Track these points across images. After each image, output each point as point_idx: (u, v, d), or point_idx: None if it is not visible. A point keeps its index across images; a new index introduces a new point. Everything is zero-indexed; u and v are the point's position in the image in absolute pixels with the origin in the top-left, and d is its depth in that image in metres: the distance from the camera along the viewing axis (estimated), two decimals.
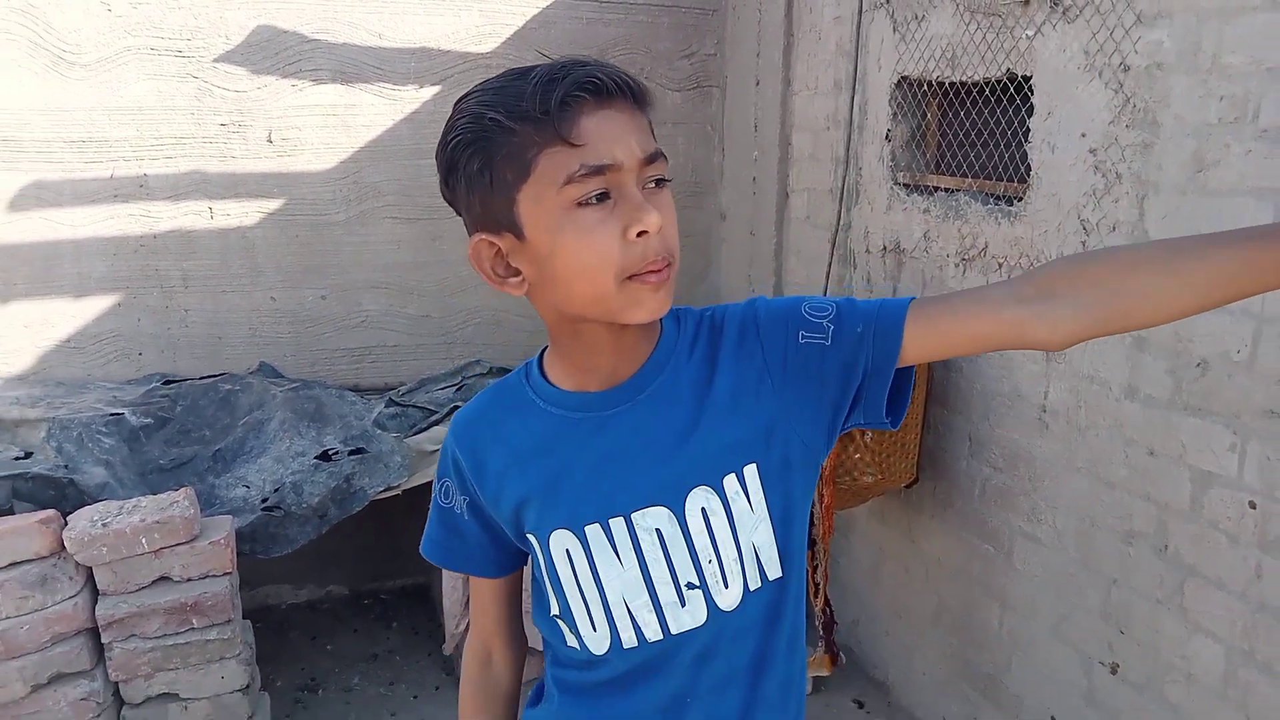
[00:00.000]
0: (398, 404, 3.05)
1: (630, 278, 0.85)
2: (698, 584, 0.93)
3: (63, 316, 2.96)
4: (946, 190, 2.45)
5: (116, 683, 2.27)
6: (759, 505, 0.93)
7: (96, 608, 2.22)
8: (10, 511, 2.25)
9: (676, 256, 0.88)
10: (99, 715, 2.24)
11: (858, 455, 2.28)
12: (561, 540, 0.95)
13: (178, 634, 2.27)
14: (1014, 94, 2.16)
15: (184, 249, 3.05)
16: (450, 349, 3.42)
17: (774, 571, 0.95)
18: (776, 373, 0.91)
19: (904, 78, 2.54)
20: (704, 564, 0.93)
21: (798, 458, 0.94)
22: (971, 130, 2.35)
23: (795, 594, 1.00)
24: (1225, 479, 1.75)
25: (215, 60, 2.96)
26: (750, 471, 0.92)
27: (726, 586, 0.94)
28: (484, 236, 0.88)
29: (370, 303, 3.33)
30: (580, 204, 0.83)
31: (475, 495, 1.01)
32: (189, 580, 2.26)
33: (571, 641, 0.99)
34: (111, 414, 2.58)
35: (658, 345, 0.96)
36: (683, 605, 0.94)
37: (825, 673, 2.62)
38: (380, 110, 3.13)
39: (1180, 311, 0.81)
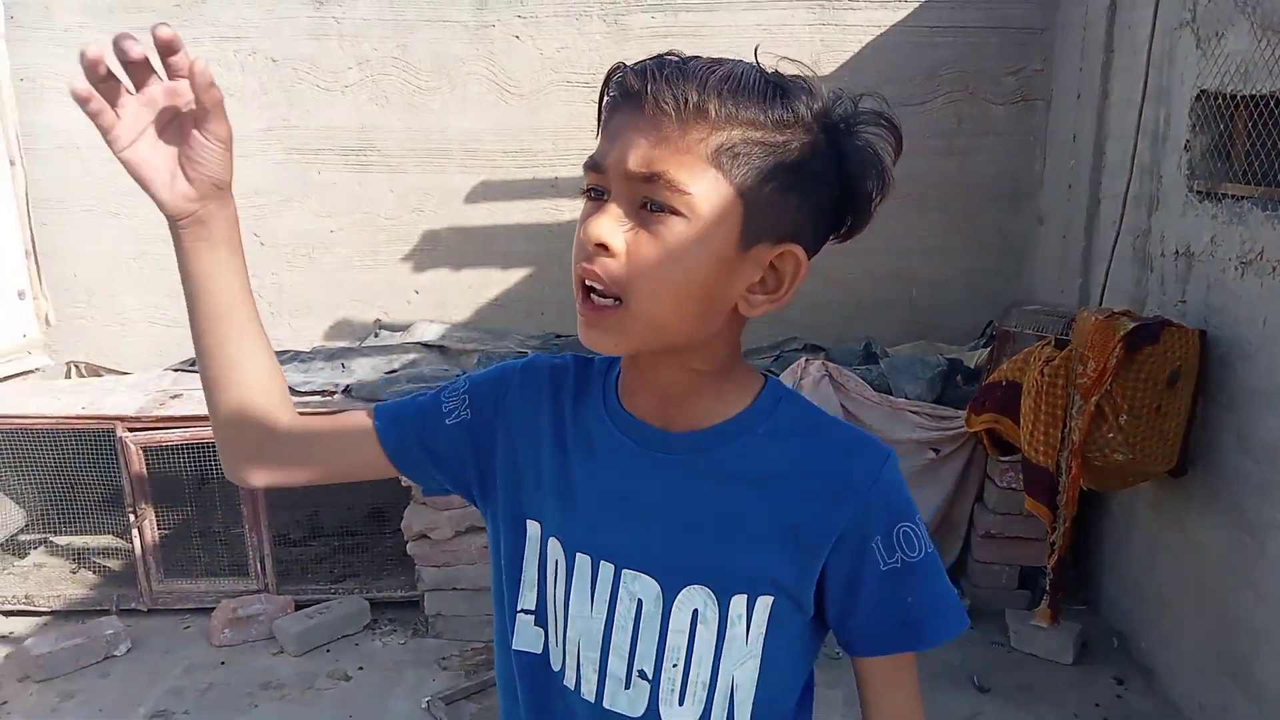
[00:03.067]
0: None
1: (578, 286, 0.77)
2: (650, 678, 0.83)
3: (492, 282, 4.00)
4: (1234, 198, 2.57)
5: None
6: (755, 642, 0.82)
7: None
8: None
9: (633, 296, 0.74)
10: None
11: (1110, 434, 2.51)
12: (554, 550, 0.86)
13: None
14: None
15: None
16: (772, 326, 4.01)
17: (742, 717, 0.84)
18: (834, 556, 0.82)
19: (1203, 91, 2.68)
20: (666, 664, 0.83)
21: (798, 632, 0.85)
22: (1262, 141, 2.47)
23: None
24: None
25: None
26: (762, 604, 0.82)
27: (680, 704, 0.83)
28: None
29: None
30: (584, 192, 0.78)
31: (470, 423, 0.91)
32: None
33: (525, 645, 0.89)
34: (519, 352, 3.53)
35: (743, 412, 0.84)
36: (626, 687, 0.84)
37: (1045, 624, 2.86)
38: None
39: None
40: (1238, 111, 2.65)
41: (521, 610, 0.89)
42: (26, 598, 3.28)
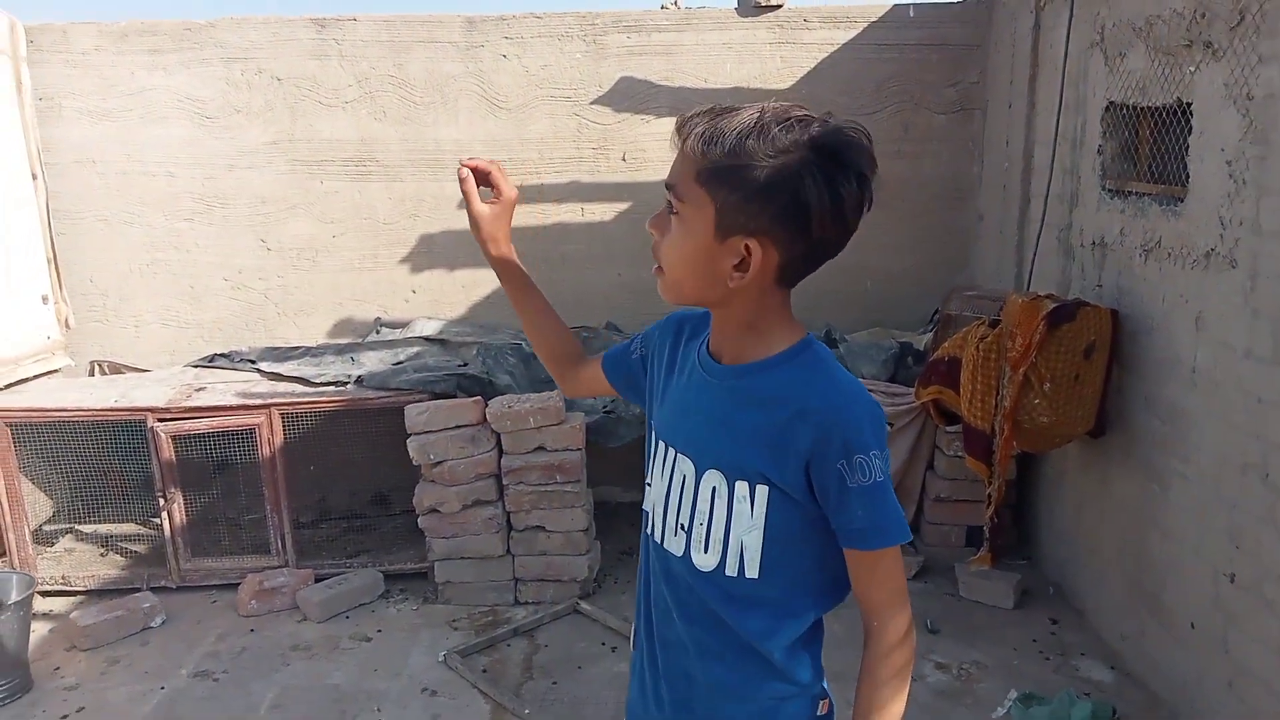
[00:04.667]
0: None
1: None
2: (686, 530, 1.19)
3: (484, 281, 4.32)
4: (1138, 194, 2.99)
5: (509, 512, 3.49)
6: (758, 518, 1.14)
7: (501, 461, 3.45)
8: (454, 396, 3.56)
9: (666, 268, 1.14)
10: (497, 532, 3.47)
11: (1036, 400, 2.91)
12: (654, 436, 1.28)
13: (547, 485, 3.44)
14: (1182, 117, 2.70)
15: (562, 237, 4.30)
16: None
17: (752, 572, 1.15)
18: (812, 469, 1.11)
19: (1111, 103, 3.10)
20: (695, 522, 1.18)
21: (799, 518, 1.14)
22: (1160, 146, 2.89)
23: (778, 618, 1.18)
24: None
25: (590, 103, 4.17)
26: (761, 490, 1.13)
27: (704, 552, 1.18)
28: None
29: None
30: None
31: (643, 357, 1.36)
32: (556, 450, 3.43)
33: (646, 505, 1.29)
34: (513, 344, 3.86)
35: (773, 355, 1.14)
36: (674, 534, 1.21)
37: (986, 567, 3.29)
38: None
39: None
40: (1141, 120, 3.07)
41: (646, 483, 1.29)
42: (63, 578, 3.56)
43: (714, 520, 1.16)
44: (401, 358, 3.80)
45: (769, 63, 4.13)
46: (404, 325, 4.25)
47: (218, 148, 4.15)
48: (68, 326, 4.04)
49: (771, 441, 1.11)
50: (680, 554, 1.20)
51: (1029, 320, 2.88)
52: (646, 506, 1.28)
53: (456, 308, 4.34)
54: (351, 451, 3.77)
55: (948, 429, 3.49)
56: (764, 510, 1.13)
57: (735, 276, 1.10)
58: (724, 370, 1.17)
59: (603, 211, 4.26)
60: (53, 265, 3.95)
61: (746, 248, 1.08)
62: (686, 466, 1.19)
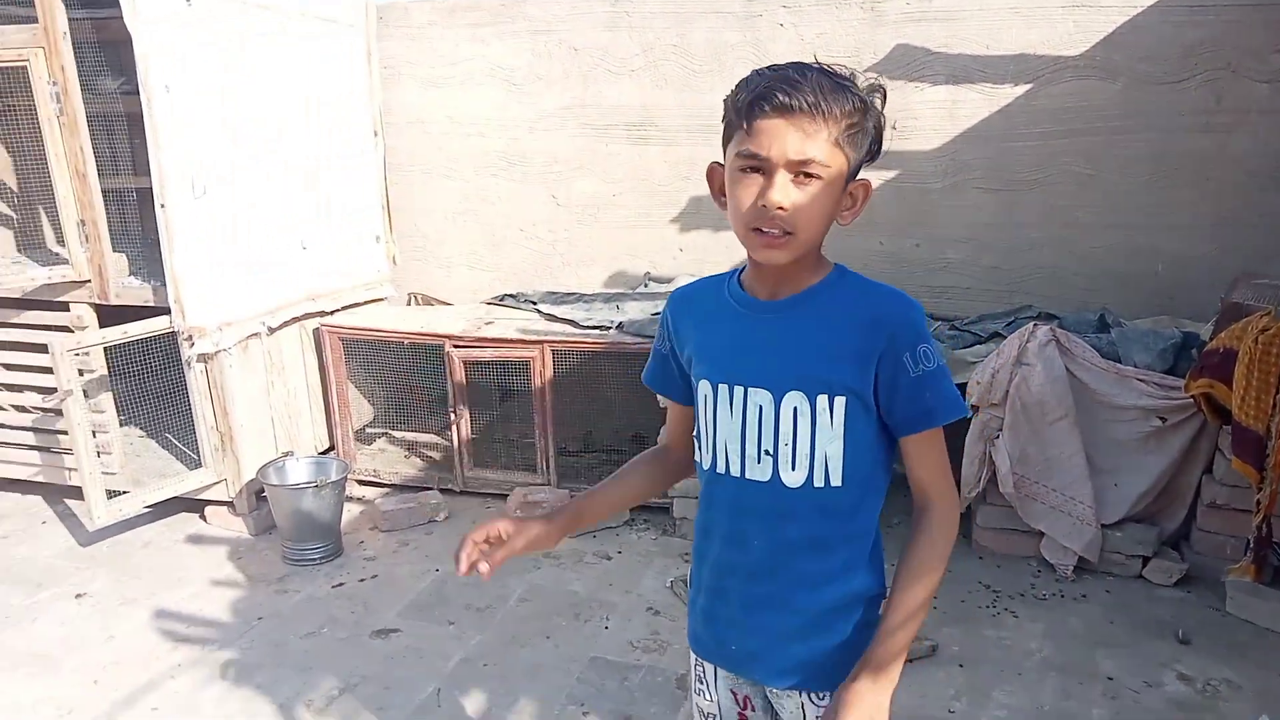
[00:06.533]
0: (957, 329, 4.00)
1: (753, 230, 1.20)
2: (772, 454, 1.28)
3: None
4: None
5: None
6: (838, 426, 1.25)
7: None
8: None
9: (800, 230, 1.18)
10: None
11: None
12: (704, 387, 1.33)
13: None
14: None
15: None
16: (1011, 296, 4.24)
17: (836, 480, 1.27)
18: (881, 367, 1.24)
19: None
20: (780, 444, 1.27)
21: (869, 422, 1.26)
22: None
23: (855, 518, 1.30)
24: None
25: (863, 70, 4.17)
26: (839, 402, 1.24)
27: (793, 470, 1.27)
28: (716, 164, 1.29)
29: (953, 253, 4.31)
30: (741, 169, 1.19)
31: (671, 343, 1.42)
32: None
33: (697, 457, 1.39)
34: None
35: (818, 283, 1.27)
36: (757, 462, 1.29)
37: (1248, 579, 2.98)
38: (979, 104, 4.06)
39: None
40: None
41: (696, 436, 1.40)
42: (374, 472, 4.26)
43: (798, 438, 1.26)
44: (660, 308, 4.09)
45: (1059, 26, 3.91)
46: (669, 281, 4.55)
47: (521, 112, 4.65)
48: (393, 263, 4.75)
49: (851, 350, 1.23)
50: (768, 478, 1.29)
51: None
52: (708, 454, 1.35)
53: (719, 266, 4.56)
54: (613, 392, 4.13)
55: (1225, 426, 3.21)
56: (843, 419, 1.24)
57: (846, 216, 1.26)
58: (780, 304, 1.28)
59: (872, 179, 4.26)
60: (385, 211, 4.65)
61: (865, 187, 1.26)
62: (761, 397, 1.27)
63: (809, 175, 1.17)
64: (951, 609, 3.21)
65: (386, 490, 4.24)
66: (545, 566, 3.56)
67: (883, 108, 1.24)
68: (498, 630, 3.12)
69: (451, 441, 4.12)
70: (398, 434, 4.55)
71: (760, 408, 1.27)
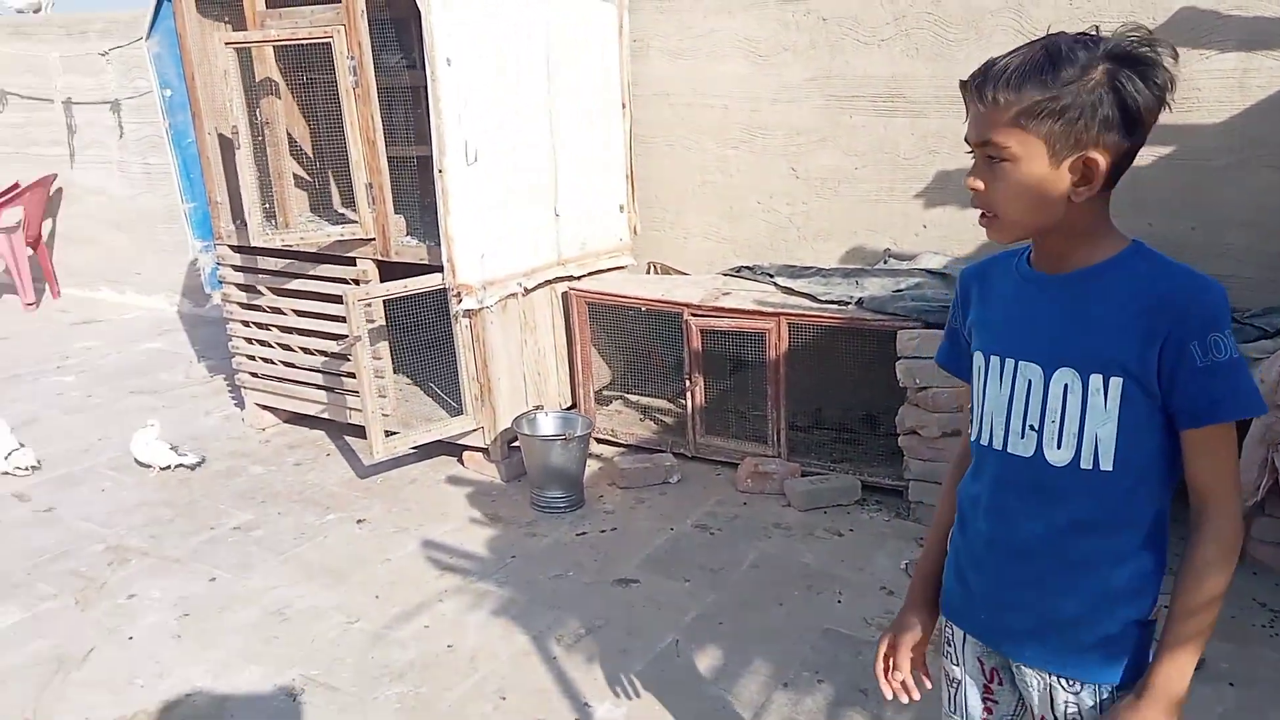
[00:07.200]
0: (1239, 322, 3.66)
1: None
2: (1036, 429, 1.27)
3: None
4: None
5: None
6: (1112, 410, 1.21)
7: None
8: None
9: (1000, 211, 1.23)
10: None
11: None
12: (978, 359, 1.36)
13: None
14: None
15: None
16: (1261, 295, 3.82)
17: (1106, 464, 1.23)
18: (1164, 353, 1.18)
19: None
20: (1047, 420, 1.26)
21: (1148, 407, 1.21)
22: None
23: (1127, 506, 1.25)
24: None
25: None
26: (1116, 382, 1.20)
27: (1058, 448, 1.25)
28: None
29: (1235, 238, 3.94)
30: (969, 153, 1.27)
31: (962, 318, 1.43)
32: None
33: (969, 428, 1.41)
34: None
35: (1107, 259, 1.23)
36: (1021, 436, 1.29)
37: None
38: (1276, 73, 3.67)
39: None
40: None
41: (972, 409, 1.41)
42: (612, 431, 4.47)
43: (1066, 416, 1.24)
44: (902, 286, 4.01)
45: None
46: (911, 258, 4.44)
47: (764, 83, 4.67)
48: (635, 232, 4.91)
49: (1132, 331, 1.19)
50: (1030, 454, 1.28)
51: None
52: (976, 426, 1.37)
53: (965, 245, 4.41)
54: (847, 369, 4.11)
55: None
56: (1117, 402, 1.20)
57: (1079, 191, 1.20)
58: (1065, 278, 1.26)
59: (1139, 155, 3.96)
60: (629, 181, 4.82)
61: (1086, 162, 1.19)
62: (1031, 371, 1.27)
63: (998, 157, 1.20)
64: (1221, 625, 2.91)
65: (622, 450, 4.44)
66: (776, 536, 3.61)
67: (1125, 74, 1.16)
68: (731, 592, 3.22)
69: (685, 408, 4.25)
70: (632, 397, 4.74)
71: (1030, 382, 1.27)
